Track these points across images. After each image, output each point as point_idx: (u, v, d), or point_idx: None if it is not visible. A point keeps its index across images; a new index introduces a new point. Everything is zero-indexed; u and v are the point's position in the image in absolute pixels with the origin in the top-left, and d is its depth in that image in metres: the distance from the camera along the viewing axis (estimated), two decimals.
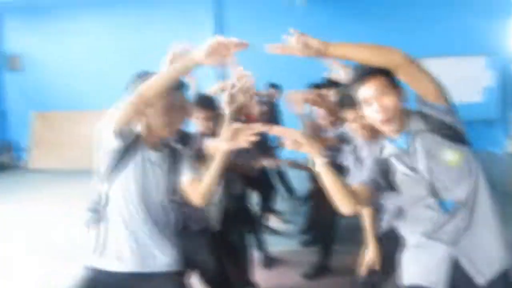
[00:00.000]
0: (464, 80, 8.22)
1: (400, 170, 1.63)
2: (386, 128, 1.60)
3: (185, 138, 2.35)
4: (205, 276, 2.41)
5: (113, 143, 1.68)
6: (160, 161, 1.81)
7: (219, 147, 1.70)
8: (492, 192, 1.62)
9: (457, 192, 1.56)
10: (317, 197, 4.68)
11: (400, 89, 1.60)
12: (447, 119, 1.55)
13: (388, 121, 1.57)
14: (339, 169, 2.89)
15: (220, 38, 1.56)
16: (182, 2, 8.81)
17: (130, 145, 1.74)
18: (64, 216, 5.37)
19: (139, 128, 1.79)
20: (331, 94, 3.27)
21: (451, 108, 1.56)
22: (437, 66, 8.21)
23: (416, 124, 1.59)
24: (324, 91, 3.36)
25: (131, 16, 9.00)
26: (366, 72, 1.58)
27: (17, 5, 9.02)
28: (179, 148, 1.91)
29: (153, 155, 1.79)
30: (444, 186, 1.56)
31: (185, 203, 2.27)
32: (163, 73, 1.62)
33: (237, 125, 1.69)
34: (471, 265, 1.56)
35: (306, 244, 4.08)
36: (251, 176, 3.38)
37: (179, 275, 1.94)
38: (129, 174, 1.74)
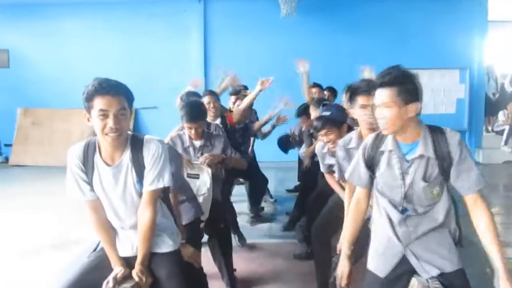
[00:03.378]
0: (440, 92, 8.69)
1: (391, 167, 1.83)
2: (383, 132, 1.82)
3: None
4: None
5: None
6: (112, 177, 1.90)
7: None
8: (457, 201, 1.90)
9: (418, 207, 1.83)
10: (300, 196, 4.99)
11: (411, 105, 1.71)
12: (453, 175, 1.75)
13: (383, 127, 1.78)
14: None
15: None
16: (171, 8, 8.98)
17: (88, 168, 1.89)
18: (49, 210, 5.47)
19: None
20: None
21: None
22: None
23: (426, 143, 1.75)
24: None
25: (119, 18, 9.12)
26: (381, 80, 1.74)
27: (4, 1, 9.04)
28: (143, 156, 1.92)
29: (106, 171, 1.89)
30: (412, 200, 1.82)
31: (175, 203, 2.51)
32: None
33: None
34: (417, 263, 1.85)
35: (286, 228, 4.47)
36: (242, 170, 3.66)
37: (177, 253, 2.13)
38: (96, 189, 1.92)
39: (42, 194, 6.37)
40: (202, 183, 2.82)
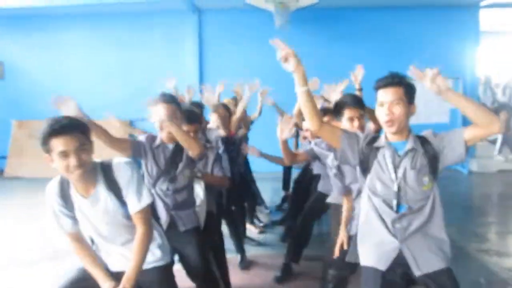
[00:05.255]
0: (434, 101, 8.74)
1: (384, 162, 1.96)
2: (387, 129, 1.96)
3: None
4: (191, 272, 2.58)
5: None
6: (91, 207, 1.95)
7: None
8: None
9: (411, 202, 1.93)
10: (291, 202, 5.00)
11: (411, 105, 1.95)
12: (443, 156, 1.91)
13: (390, 122, 1.92)
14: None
15: None
16: (166, 20, 9.06)
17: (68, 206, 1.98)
18: (44, 222, 5.43)
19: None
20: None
21: (459, 156, 1.89)
22: None
23: (415, 142, 1.95)
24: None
25: (115, 30, 9.19)
26: (390, 80, 1.93)
27: (0, 13, 9.08)
28: (119, 179, 1.96)
29: (83, 203, 1.94)
30: (406, 194, 1.93)
31: (173, 206, 2.56)
32: None
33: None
34: (412, 259, 1.92)
35: (284, 239, 4.42)
36: (234, 189, 3.66)
37: (167, 268, 2.20)
38: (79, 219, 2.00)
39: (37, 206, 6.33)
40: (196, 195, 2.82)
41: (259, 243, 4.58)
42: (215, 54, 8.95)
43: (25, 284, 3.62)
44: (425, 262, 1.91)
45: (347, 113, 2.51)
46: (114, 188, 1.93)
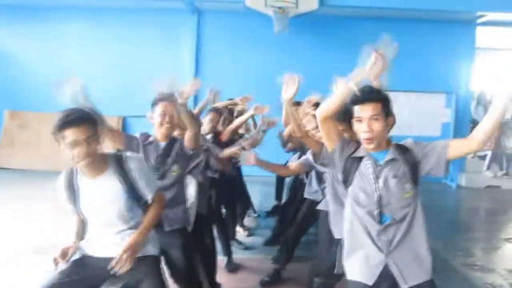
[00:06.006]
0: (426, 115, 8.86)
1: (365, 173, 1.97)
2: (366, 145, 1.96)
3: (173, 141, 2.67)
4: (175, 273, 2.58)
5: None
6: (99, 188, 2.06)
7: None
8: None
9: (395, 212, 1.94)
10: (282, 211, 5.01)
11: (391, 118, 1.97)
12: (423, 165, 1.92)
13: (370, 140, 1.92)
14: None
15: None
16: (166, 18, 9.04)
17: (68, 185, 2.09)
18: (33, 215, 5.42)
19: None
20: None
21: (438, 168, 1.91)
22: (402, 100, 8.72)
23: (395, 151, 1.96)
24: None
25: (112, 25, 9.15)
26: (368, 96, 1.90)
27: None
28: (127, 161, 2.12)
29: (91, 185, 2.07)
30: (389, 203, 1.93)
31: None
32: None
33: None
34: (399, 273, 1.92)
35: (267, 243, 4.39)
36: (224, 191, 3.67)
37: (157, 260, 2.23)
38: (81, 205, 2.08)
39: (27, 198, 6.29)
40: (187, 194, 2.81)
41: (246, 247, 4.58)
42: (212, 55, 8.95)
43: (14, 276, 3.59)
44: (410, 274, 1.92)
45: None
46: (123, 176, 2.08)
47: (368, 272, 1.95)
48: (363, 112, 1.91)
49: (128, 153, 2.18)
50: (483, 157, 8.99)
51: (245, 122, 3.98)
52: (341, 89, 1.93)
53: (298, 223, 3.74)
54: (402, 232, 1.93)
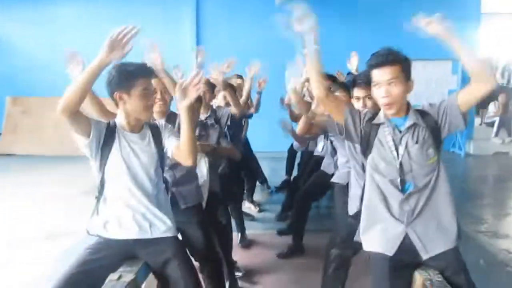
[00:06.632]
0: (432, 82, 8.73)
1: (384, 140, 1.89)
2: (385, 111, 1.88)
3: (171, 116, 2.57)
4: (195, 251, 2.53)
5: (84, 143, 1.90)
6: (139, 141, 2.02)
7: (179, 107, 1.93)
8: (451, 189, 1.91)
9: (418, 179, 1.86)
10: (292, 185, 4.99)
11: (410, 82, 1.85)
12: (442, 123, 1.85)
13: (389, 105, 1.84)
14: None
15: (112, 33, 1.73)
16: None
17: (106, 135, 1.95)
18: (38, 201, 5.40)
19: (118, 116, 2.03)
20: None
21: (456, 120, 1.83)
22: (420, 69, 8.56)
23: (414, 116, 1.87)
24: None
25: (111, 6, 9.00)
26: (385, 59, 1.81)
27: None
28: (160, 124, 2.13)
29: (132, 137, 2.01)
30: (410, 171, 1.86)
31: (173, 182, 2.51)
32: (77, 81, 1.77)
33: (182, 80, 1.94)
34: (420, 242, 1.86)
35: (281, 233, 4.26)
36: (233, 164, 3.62)
37: (177, 239, 2.15)
38: (114, 159, 1.96)
39: (31, 184, 6.29)
40: (199, 172, 2.76)
41: (253, 219, 4.62)
42: (213, 34, 8.81)
43: (21, 262, 3.57)
44: (432, 244, 1.86)
45: (356, 92, 2.43)
46: (156, 134, 2.08)
47: (387, 243, 1.90)
48: (381, 76, 1.82)
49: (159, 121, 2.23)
50: (491, 124, 8.91)
51: (251, 87, 3.91)
52: (308, 61, 1.89)
53: (304, 190, 3.74)
54: (424, 200, 1.86)
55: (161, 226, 2.04)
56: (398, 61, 1.81)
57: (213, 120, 3.28)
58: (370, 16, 8.56)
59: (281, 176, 5.98)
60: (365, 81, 2.31)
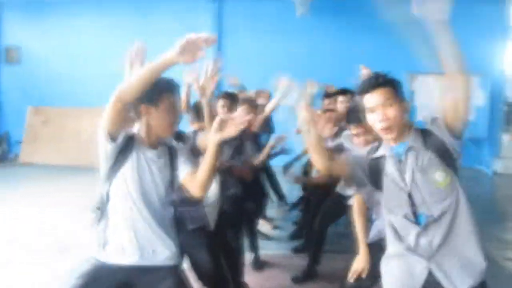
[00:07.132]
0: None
1: (390, 172, 1.75)
2: (385, 136, 1.73)
3: (179, 136, 2.43)
4: (202, 275, 2.44)
5: (106, 145, 1.77)
6: (156, 159, 1.90)
7: (209, 138, 1.79)
8: (473, 210, 1.71)
9: (432, 208, 1.67)
10: (307, 203, 4.80)
11: (405, 102, 1.73)
12: (449, 142, 1.66)
13: (388, 129, 1.69)
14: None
15: (189, 36, 1.66)
16: (183, 7, 8.91)
17: (125, 145, 1.83)
18: (56, 211, 5.39)
19: (136, 128, 1.91)
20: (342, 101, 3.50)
21: (459, 134, 1.67)
22: (432, 83, 8.31)
23: (416, 138, 1.72)
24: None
25: (131, 17, 9.08)
26: (375, 82, 1.70)
27: None
28: (175, 145, 2.01)
29: (150, 153, 1.89)
30: (423, 200, 1.68)
31: (181, 202, 2.38)
32: (139, 74, 1.71)
33: (224, 115, 1.81)
34: (446, 278, 1.67)
35: (296, 251, 4.13)
36: (245, 182, 3.47)
37: (179, 269, 2.00)
38: (127, 173, 1.83)
39: (50, 194, 6.29)
40: (208, 192, 2.64)
41: (267, 237, 4.49)
42: (234, 44, 8.74)
43: (36, 272, 3.54)
44: (459, 279, 1.66)
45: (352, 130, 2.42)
46: (173, 154, 1.97)
47: (411, 282, 1.72)
48: (374, 99, 1.70)
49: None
50: None
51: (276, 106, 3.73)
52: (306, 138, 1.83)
53: (322, 213, 3.56)
54: (444, 231, 1.67)
55: (164, 251, 1.90)
56: (389, 82, 1.72)
57: None
58: (392, 28, 8.40)
59: (297, 192, 5.79)
60: (359, 117, 2.12)
